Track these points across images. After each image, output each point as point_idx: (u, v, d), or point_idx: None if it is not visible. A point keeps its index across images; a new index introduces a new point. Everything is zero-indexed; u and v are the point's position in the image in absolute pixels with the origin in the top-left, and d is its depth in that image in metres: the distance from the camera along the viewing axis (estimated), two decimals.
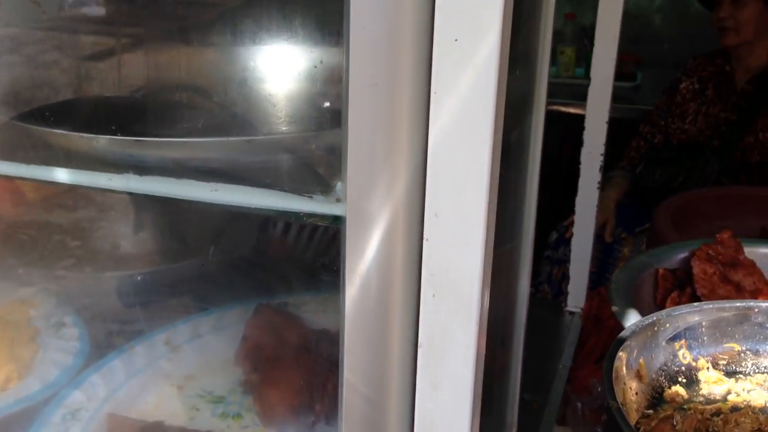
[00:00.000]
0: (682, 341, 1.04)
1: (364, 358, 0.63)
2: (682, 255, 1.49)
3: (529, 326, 1.57)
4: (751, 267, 1.48)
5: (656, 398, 1.00)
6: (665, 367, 1.03)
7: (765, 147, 2.64)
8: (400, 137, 0.58)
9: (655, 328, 1.02)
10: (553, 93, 3.67)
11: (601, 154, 1.60)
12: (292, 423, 1.00)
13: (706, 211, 2.12)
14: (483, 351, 0.63)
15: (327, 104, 0.64)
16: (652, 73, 4.33)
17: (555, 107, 4.15)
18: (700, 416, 0.87)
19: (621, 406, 0.90)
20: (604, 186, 3.01)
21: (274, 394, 1.03)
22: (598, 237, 2.86)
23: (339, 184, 0.61)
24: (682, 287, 1.46)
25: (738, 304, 1.07)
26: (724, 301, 1.07)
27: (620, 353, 0.94)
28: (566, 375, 1.50)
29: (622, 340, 0.97)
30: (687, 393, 1.01)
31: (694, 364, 1.05)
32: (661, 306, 1.44)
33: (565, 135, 5.02)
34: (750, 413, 0.87)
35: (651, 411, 0.96)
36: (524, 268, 1.15)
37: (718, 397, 1.01)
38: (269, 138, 0.64)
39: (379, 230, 0.60)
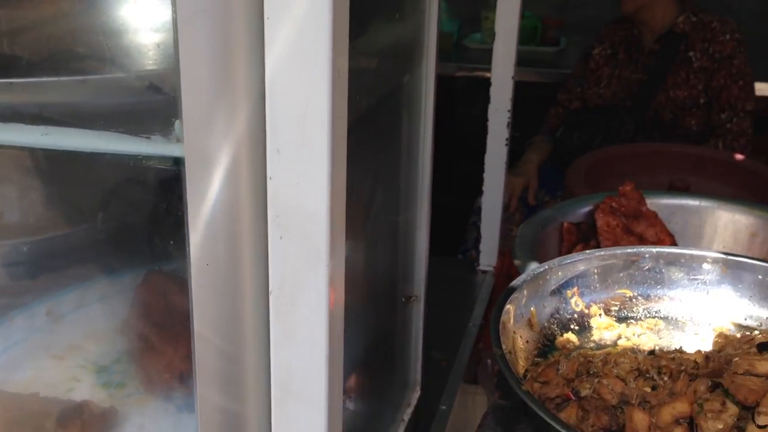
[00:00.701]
0: (575, 289, 1.04)
1: (215, 308, 0.60)
2: (587, 208, 1.49)
3: (437, 285, 1.56)
4: (653, 218, 1.49)
5: (548, 346, 0.99)
6: (558, 315, 1.02)
7: (676, 104, 2.68)
8: (237, 68, 0.54)
9: (547, 277, 1.01)
10: (478, 59, 3.69)
11: (508, 111, 1.58)
12: (177, 389, 0.96)
13: (617, 167, 2.14)
14: (341, 297, 0.60)
15: (160, 37, 0.60)
16: (576, 38, 4.36)
17: (480, 74, 4.16)
18: (582, 359, 0.86)
19: (509, 353, 0.89)
20: (526, 150, 3.04)
21: (159, 361, 0.99)
22: (523, 200, 2.89)
23: (178, 123, 0.57)
24: (587, 240, 1.47)
25: (628, 251, 1.07)
26: (615, 248, 1.07)
27: (509, 303, 0.93)
28: (476, 333, 1.50)
29: (513, 290, 0.96)
30: (578, 339, 1.01)
31: (586, 311, 1.04)
32: None
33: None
34: (629, 353, 0.87)
35: (541, 359, 0.95)
36: (420, 224, 1.12)
37: (608, 343, 1.02)
38: (103, 78, 0.60)
39: (221, 170, 0.56)
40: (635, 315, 1.06)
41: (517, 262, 1.28)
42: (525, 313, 0.98)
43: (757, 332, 0.89)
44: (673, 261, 1.07)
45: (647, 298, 1.07)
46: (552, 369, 0.85)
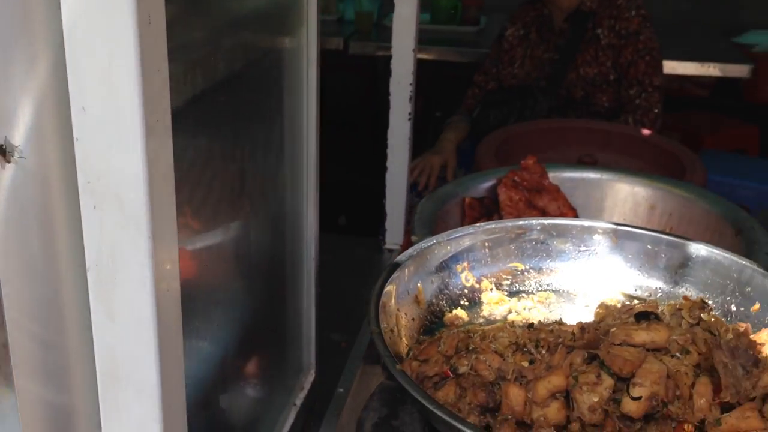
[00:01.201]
0: (465, 263, 1.00)
1: (28, 290, 0.53)
2: (490, 183, 1.47)
3: (342, 265, 1.51)
4: (556, 192, 1.48)
5: (436, 323, 0.95)
6: (447, 291, 0.98)
7: (586, 81, 2.69)
8: (35, 12, 0.48)
9: (435, 252, 0.97)
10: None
11: (410, 84, 1.54)
12: None
13: (528, 144, 2.12)
14: (174, 273, 0.55)
15: None
16: (496, 17, 4.36)
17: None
18: (462, 335, 0.83)
19: (390, 332, 0.85)
20: (444, 130, 3.03)
21: None
22: (442, 179, 2.87)
23: None
24: (490, 215, 1.44)
25: (519, 223, 1.04)
26: (505, 220, 1.03)
27: (391, 279, 0.89)
28: None
29: (397, 265, 0.92)
30: (468, 315, 0.98)
31: (477, 285, 1.01)
32: None
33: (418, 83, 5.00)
34: (508, 327, 0.83)
35: (427, 336, 0.91)
36: (308, 201, 1.07)
37: (498, 318, 0.98)
38: None
39: (22, 131, 0.49)
40: (527, 288, 1.03)
41: (414, 238, 1.24)
42: (411, 289, 0.94)
43: (637, 302, 0.87)
44: (564, 233, 1.04)
45: (539, 271, 1.04)
46: (433, 347, 0.81)
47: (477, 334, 0.83)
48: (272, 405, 1.09)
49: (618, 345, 0.72)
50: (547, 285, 1.04)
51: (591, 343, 0.73)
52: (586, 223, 1.05)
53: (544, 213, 1.47)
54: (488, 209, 1.45)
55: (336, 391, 1.22)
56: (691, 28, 4.02)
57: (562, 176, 1.49)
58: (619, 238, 1.04)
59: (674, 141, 2.05)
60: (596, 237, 1.04)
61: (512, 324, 0.86)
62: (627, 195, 1.46)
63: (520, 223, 1.04)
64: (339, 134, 5.40)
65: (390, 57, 1.51)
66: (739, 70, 3.61)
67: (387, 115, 1.54)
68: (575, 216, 1.48)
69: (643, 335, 0.73)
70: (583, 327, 0.75)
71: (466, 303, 0.99)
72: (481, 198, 1.45)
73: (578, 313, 1.00)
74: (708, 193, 1.39)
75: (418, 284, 0.95)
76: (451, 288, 0.99)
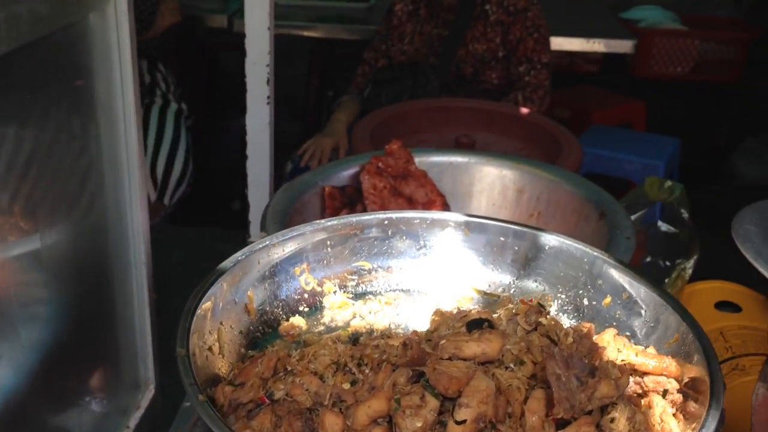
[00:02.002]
0: (304, 265, 0.92)
1: None
2: (352, 170, 1.38)
3: (198, 263, 1.39)
4: (423, 178, 1.41)
5: (269, 333, 0.86)
6: (283, 297, 0.90)
7: (475, 58, 2.65)
8: None
9: (268, 254, 0.88)
10: (287, 15, 3.41)
11: (267, 65, 1.43)
12: None
13: (407, 125, 2.05)
14: None
15: None
16: None
17: (296, 32, 3.98)
18: (282, 353, 0.74)
19: (207, 351, 0.75)
20: (334, 111, 2.93)
21: None
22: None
23: None
24: (353, 204, 1.36)
25: (364, 218, 0.96)
26: (350, 215, 0.95)
27: (212, 289, 0.79)
28: None
29: (222, 272, 0.82)
30: (307, 323, 0.89)
31: (319, 288, 0.93)
32: None
33: (311, 62, 4.89)
34: (330, 344, 0.75)
35: (255, 351, 0.82)
36: (131, 197, 0.96)
37: (340, 324, 0.90)
38: None
39: None
40: (374, 289, 0.96)
41: (263, 235, 1.14)
42: (240, 297, 0.84)
43: (474, 308, 0.81)
44: (413, 227, 0.97)
45: (387, 269, 0.97)
46: (252, 368, 0.73)
47: (296, 352, 0.74)
48: (100, 429, 0.98)
49: (447, 360, 0.65)
50: (396, 284, 0.96)
51: (416, 360, 0.66)
52: (437, 215, 0.98)
53: (410, 200, 1.40)
54: (351, 198, 1.36)
55: (181, 405, 1.12)
56: (578, 3, 4.04)
57: (429, 161, 1.42)
58: (471, 230, 0.97)
59: (552, 120, 2.02)
60: (447, 230, 0.97)
61: (334, 340, 0.78)
62: (495, 179, 1.40)
63: (366, 218, 0.96)
64: (230, 116, 5.22)
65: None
66: (623, 46, 3.65)
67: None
68: (444, 202, 1.41)
69: (473, 347, 0.66)
70: (405, 343, 0.68)
71: (306, 309, 0.91)
72: (342, 187, 1.36)
73: (428, 313, 0.93)
74: (574, 176, 1.34)
75: (248, 292, 0.85)
76: (288, 293, 0.90)
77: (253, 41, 1.41)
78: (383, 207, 1.37)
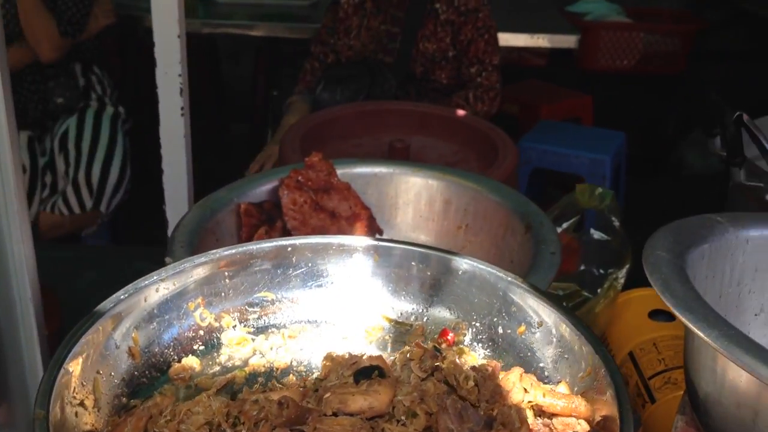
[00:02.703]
0: (199, 299, 0.85)
1: None
2: (271, 185, 1.32)
3: (111, 285, 1.32)
4: (346, 191, 1.35)
5: (157, 378, 0.80)
6: (176, 336, 0.83)
7: (426, 57, 2.59)
8: None
9: (156, 290, 0.81)
10: (231, 15, 3.31)
11: (179, 75, 1.36)
12: None
13: (340, 130, 1.99)
14: None
15: None
16: None
17: (241, 31, 3.89)
18: (156, 410, 0.68)
19: (79, 405, 0.68)
20: (284, 113, 2.84)
21: None
22: None
23: None
24: (272, 221, 1.29)
25: (267, 246, 0.89)
26: (250, 243, 0.89)
27: (88, 334, 0.72)
28: None
29: (99, 315, 0.75)
30: (201, 363, 0.83)
31: (216, 324, 0.86)
32: None
33: (257, 61, 4.79)
34: (204, 401, 0.69)
35: (138, 400, 0.75)
36: (6, 230, 0.88)
37: (238, 363, 0.84)
38: None
39: None
40: (277, 322, 0.89)
41: (168, 260, 1.07)
42: (122, 341, 0.77)
43: (366, 355, 0.74)
44: (320, 253, 0.91)
45: (292, 300, 0.90)
46: (123, 427, 0.66)
47: (167, 410, 0.67)
48: None
49: (331, 416, 0.60)
50: (302, 316, 0.90)
51: (295, 420, 0.60)
52: (344, 240, 0.92)
53: (333, 215, 1.34)
54: (269, 215, 1.30)
55: None
56: None
57: (353, 172, 1.36)
58: (380, 255, 0.91)
59: (488, 123, 1.97)
60: (356, 256, 0.91)
61: (209, 396, 0.71)
62: (421, 189, 1.35)
63: (268, 245, 0.89)
64: None
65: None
66: (567, 41, 3.64)
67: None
68: (369, 215, 1.36)
69: (360, 401, 0.61)
70: (281, 402, 0.62)
71: (201, 347, 0.84)
72: (260, 203, 1.30)
73: (335, 346, 0.87)
74: (502, 187, 1.30)
75: (133, 333, 0.79)
76: (180, 331, 0.83)
77: (163, 49, 1.33)
78: (304, 223, 1.30)
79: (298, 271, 0.90)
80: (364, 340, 0.88)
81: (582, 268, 1.45)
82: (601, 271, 1.42)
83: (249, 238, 1.26)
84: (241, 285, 0.88)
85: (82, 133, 3.22)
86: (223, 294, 0.87)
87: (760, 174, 1.05)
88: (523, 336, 0.84)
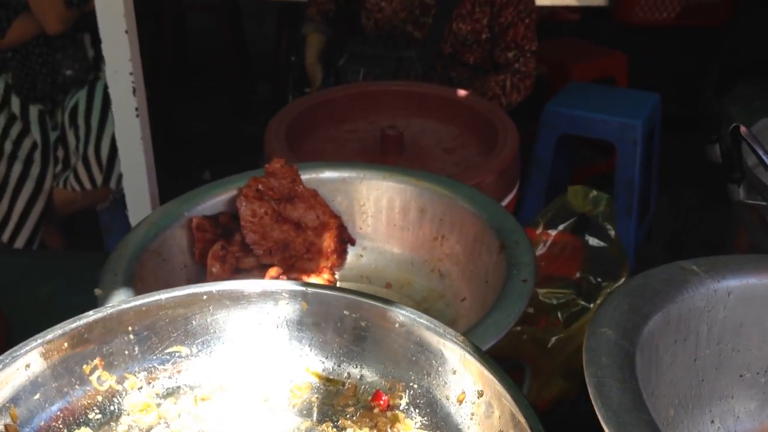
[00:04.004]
0: (97, 360, 0.75)
1: None
2: (228, 195, 1.21)
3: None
4: (312, 198, 1.23)
5: None
6: (67, 405, 0.74)
7: (457, 39, 2.40)
8: None
9: (42, 355, 0.72)
10: None
11: (131, 73, 1.25)
12: None
13: (331, 115, 1.87)
14: None
15: None
16: None
17: None
18: None
19: None
20: (300, 51, 2.71)
21: None
22: None
23: None
24: (229, 236, 1.19)
25: (179, 294, 0.79)
26: (157, 292, 0.78)
27: None
28: None
29: None
30: None
31: (119, 387, 0.76)
32: (202, 263, 1.16)
33: (279, 23, 4.67)
34: None
35: None
36: None
37: None
38: None
39: None
40: (191, 381, 0.79)
41: (98, 292, 0.98)
42: None
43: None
44: (242, 300, 0.80)
45: (209, 353, 0.80)
46: None
47: None
48: None
49: None
50: (219, 373, 0.80)
51: None
52: (269, 286, 0.81)
53: (298, 226, 1.23)
54: (226, 229, 1.19)
55: None
56: None
57: (320, 177, 1.25)
58: (309, 303, 0.80)
59: (490, 104, 1.83)
60: (282, 304, 0.81)
61: None
62: (394, 196, 1.23)
63: (179, 294, 0.79)
64: (205, 81, 5.02)
65: None
66: None
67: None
68: (340, 224, 1.24)
69: None
70: None
71: (98, 416, 0.75)
72: (215, 215, 1.19)
73: (253, 409, 0.77)
74: (479, 196, 1.16)
75: (11, 409, 0.69)
76: (73, 399, 0.74)
77: (111, 47, 1.22)
78: (264, 236, 1.20)
79: (215, 321, 0.80)
80: (288, 403, 0.78)
81: (578, 275, 1.32)
82: (599, 279, 1.29)
83: (203, 255, 1.16)
84: (149, 340, 0.78)
85: (92, 107, 3.15)
86: (126, 352, 0.77)
87: (760, 188, 0.90)
88: (461, 405, 0.73)
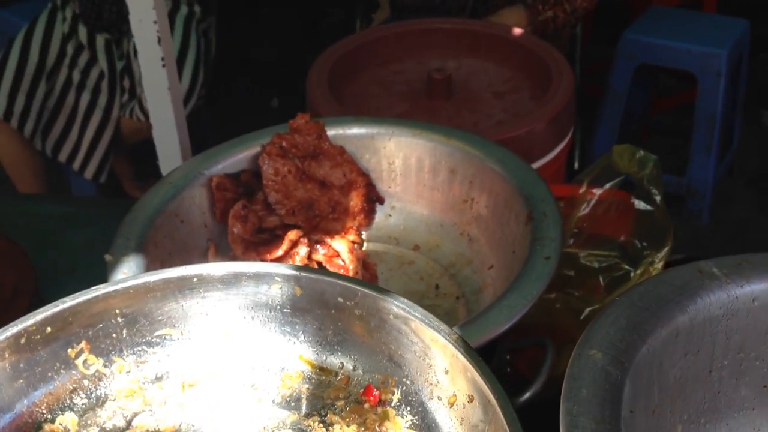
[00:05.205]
0: (83, 344, 0.74)
1: None
2: (251, 151, 1.17)
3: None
4: (339, 156, 1.18)
5: None
6: (51, 390, 0.73)
7: None
8: None
9: (23, 342, 0.71)
10: None
11: (155, 22, 1.20)
12: None
13: (378, 55, 1.78)
14: None
15: None
16: None
17: None
18: None
19: None
20: None
21: None
22: None
23: None
24: (251, 195, 1.16)
25: (168, 276, 0.76)
26: (147, 274, 0.75)
27: None
28: None
29: None
30: (79, 422, 0.72)
31: (106, 370, 0.75)
32: (224, 223, 1.13)
33: None
34: None
35: None
36: None
37: (120, 423, 0.73)
38: None
39: None
40: (178, 366, 0.77)
41: (108, 258, 0.96)
42: None
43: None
44: (232, 283, 0.76)
45: (200, 338, 0.77)
46: None
47: None
48: None
49: None
50: (208, 357, 0.77)
51: None
52: (261, 268, 0.77)
53: (323, 184, 1.18)
54: (248, 187, 1.16)
55: None
56: None
57: (347, 134, 1.19)
58: (303, 288, 0.76)
59: (545, 44, 1.70)
60: (274, 288, 0.77)
61: None
62: (424, 155, 1.16)
63: (167, 276, 0.76)
64: (276, 5, 4.94)
65: None
66: None
67: None
68: (368, 182, 1.19)
69: None
70: None
71: (84, 401, 0.74)
72: (236, 173, 1.15)
73: (239, 398, 0.75)
74: (510, 157, 1.08)
75: None
76: (58, 384, 0.73)
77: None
78: (288, 195, 1.16)
79: (206, 304, 0.77)
80: (277, 392, 0.75)
81: (623, 238, 1.24)
82: (645, 244, 1.20)
83: (224, 215, 1.13)
84: (137, 323, 0.76)
85: None
86: (114, 335, 0.75)
87: None
88: (452, 407, 0.68)
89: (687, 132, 3.02)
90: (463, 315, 1.06)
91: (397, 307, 0.72)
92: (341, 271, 1.09)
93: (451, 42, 1.79)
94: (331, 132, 1.17)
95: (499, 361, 1.00)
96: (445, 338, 0.68)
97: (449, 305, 1.08)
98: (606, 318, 0.57)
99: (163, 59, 1.23)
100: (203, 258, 1.09)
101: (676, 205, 3.03)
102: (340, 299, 0.75)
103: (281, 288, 0.76)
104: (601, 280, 1.22)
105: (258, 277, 0.76)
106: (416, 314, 0.71)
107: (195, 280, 0.76)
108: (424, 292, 1.10)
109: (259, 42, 4.54)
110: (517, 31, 1.76)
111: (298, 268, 0.76)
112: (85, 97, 3.10)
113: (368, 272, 1.12)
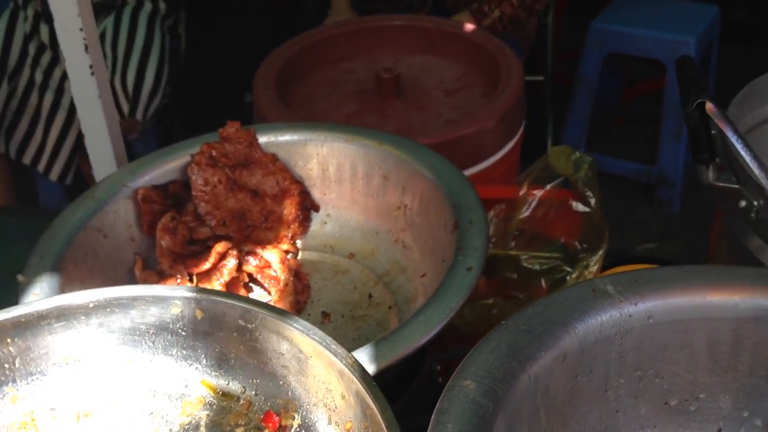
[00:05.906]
0: None
1: None
2: (180, 162, 1.14)
3: None
4: (272, 163, 1.15)
5: None
6: None
7: None
8: None
9: None
10: None
11: (80, 29, 1.17)
12: None
13: (329, 54, 1.76)
14: None
15: None
16: None
17: None
18: None
19: None
20: None
21: None
22: None
23: None
24: (180, 206, 1.13)
25: (62, 304, 0.73)
26: (38, 302, 0.73)
27: None
28: None
29: None
30: None
31: None
32: (152, 236, 1.10)
33: None
34: None
35: None
36: None
37: None
38: None
39: None
40: (75, 396, 0.74)
41: (21, 278, 0.93)
42: None
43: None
44: (129, 305, 0.74)
45: (99, 364, 0.75)
46: None
47: None
48: None
49: None
50: (106, 384, 0.75)
51: None
52: (160, 291, 0.74)
53: (256, 194, 1.15)
54: (177, 198, 1.13)
55: None
56: None
57: (279, 141, 1.16)
58: (203, 310, 0.74)
59: (496, 40, 1.67)
60: (174, 311, 0.74)
61: None
62: (357, 160, 1.14)
63: (63, 303, 0.73)
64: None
65: None
66: None
67: None
68: (303, 190, 1.16)
69: None
70: None
71: None
72: (164, 185, 1.13)
73: (135, 427, 0.72)
74: (441, 162, 1.06)
75: None
76: None
77: (58, 3, 1.14)
78: (218, 206, 1.13)
79: (104, 330, 0.75)
80: (176, 420, 0.73)
81: (563, 239, 1.22)
82: (585, 245, 1.19)
83: (152, 228, 1.10)
84: (30, 352, 0.73)
85: (118, 34, 3.09)
86: (6, 365, 0.73)
87: (736, 169, 0.77)
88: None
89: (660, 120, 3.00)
90: (394, 324, 1.03)
91: (297, 330, 0.69)
92: (273, 282, 1.07)
93: (403, 39, 1.76)
94: (262, 139, 1.15)
95: (429, 371, 0.98)
96: (342, 362, 0.66)
97: (381, 315, 1.05)
98: (487, 344, 0.55)
99: (91, 67, 1.20)
100: (130, 273, 1.06)
101: (648, 194, 3.01)
102: (241, 322, 0.72)
103: (182, 311, 0.74)
104: (543, 282, 1.20)
105: (157, 300, 0.74)
106: (315, 337, 0.68)
107: (91, 305, 0.74)
108: (357, 301, 1.07)
109: (232, 33, 4.48)
110: (469, 27, 1.73)
111: (198, 290, 0.74)
112: (49, 97, 3.05)
113: (301, 283, 1.09)
